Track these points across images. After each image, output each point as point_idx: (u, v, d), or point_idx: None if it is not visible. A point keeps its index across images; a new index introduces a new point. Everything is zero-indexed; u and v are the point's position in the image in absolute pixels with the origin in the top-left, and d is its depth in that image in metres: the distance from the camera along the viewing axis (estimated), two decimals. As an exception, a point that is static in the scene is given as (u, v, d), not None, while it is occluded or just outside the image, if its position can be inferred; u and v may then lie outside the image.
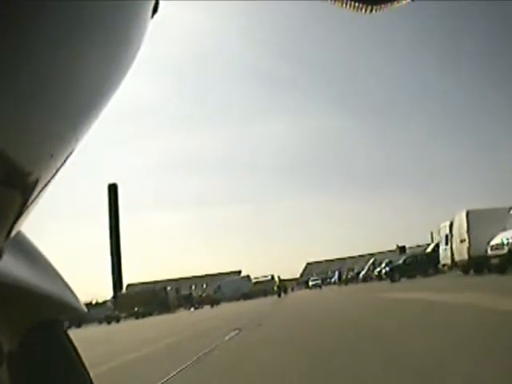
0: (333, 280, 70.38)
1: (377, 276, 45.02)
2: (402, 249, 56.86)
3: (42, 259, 0.76)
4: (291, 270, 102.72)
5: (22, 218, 0.50)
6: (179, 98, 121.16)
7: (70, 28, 0.42)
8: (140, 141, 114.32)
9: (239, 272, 73.26)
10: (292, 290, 69.05)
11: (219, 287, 65.97)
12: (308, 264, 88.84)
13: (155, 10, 0.62)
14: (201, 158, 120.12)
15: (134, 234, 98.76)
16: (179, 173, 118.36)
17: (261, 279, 70.49)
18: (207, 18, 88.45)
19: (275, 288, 51.57)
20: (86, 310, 0.82)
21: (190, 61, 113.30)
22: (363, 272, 54.46)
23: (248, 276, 67.29)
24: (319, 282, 66.19)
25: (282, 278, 59.53)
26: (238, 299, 60.69)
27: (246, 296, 61.63)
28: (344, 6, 0.69)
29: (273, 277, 66.65)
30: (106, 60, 0.50)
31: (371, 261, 53.85)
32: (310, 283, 66.34)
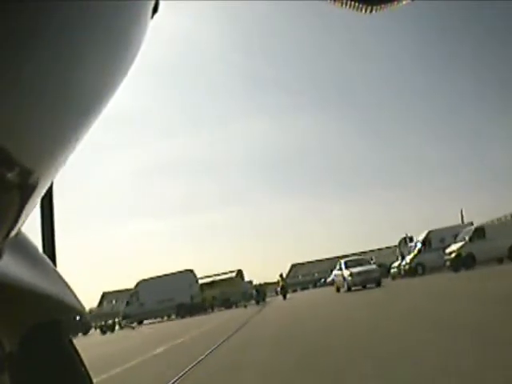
0: (330, 279, 54.87)
1: (450, 264, 25.23)
2: (411, 239, 43.83)
3: (43, 259, 0.77)
4: (273, 272, 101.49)
5: (22, 218, 0.51)
6: (159, 101, 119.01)
7: (70, 28, 0.42)
8: (118, 147, 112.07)
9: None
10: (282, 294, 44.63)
11: (136, 295, 35.58)
12: (293, 265, 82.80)
13: (155, 10, 0.64)
14: (181, 164, 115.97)
15: (118, 242, 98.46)
16: (162, 178, 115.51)
17: (217, 278, 43.58)
18: (187, 20, 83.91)
19: (253, 293, 36.41)
20: (86, 310, 0.93)
21: (169, 63, 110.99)
22: (396, 263, 34.50)
23: (191, 272, 36.40)
24: (374, 268, 25.13)
25: (265, 281, 44.33)
26: (176, 315, 35.34)
27: (187, 310, 34.08)
28: (344, 6, 0.70)
29: (240, 273, 39.38)
30: (106, 60, 0.51)
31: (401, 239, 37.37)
32: (349, 271, 24.70)
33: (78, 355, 0.82)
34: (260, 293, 34.71)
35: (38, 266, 0.73)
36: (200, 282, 38.53)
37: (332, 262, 72.93)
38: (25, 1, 0.37)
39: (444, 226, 32.82)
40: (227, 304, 39.03)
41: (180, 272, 35.85)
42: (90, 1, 0.43)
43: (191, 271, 36.02)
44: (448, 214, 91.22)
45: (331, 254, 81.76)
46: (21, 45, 0.38)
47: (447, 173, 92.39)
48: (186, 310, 33.49)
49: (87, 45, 0.45)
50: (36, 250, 0.75)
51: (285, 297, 34.04)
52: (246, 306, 32.16)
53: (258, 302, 32.72)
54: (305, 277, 76.45)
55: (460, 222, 34.75)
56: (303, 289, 66.99)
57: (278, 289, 37.78)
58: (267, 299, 39.90)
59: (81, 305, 0.83)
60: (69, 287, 0.81)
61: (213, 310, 38.87)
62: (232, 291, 39.47)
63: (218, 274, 43.86)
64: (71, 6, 0.41)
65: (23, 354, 0.73)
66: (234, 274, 42.79)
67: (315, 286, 68.27)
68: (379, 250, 55.99)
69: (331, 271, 63.43)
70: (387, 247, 51.48)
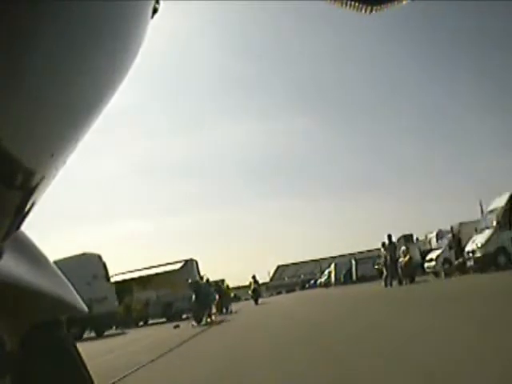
0: (322, 281, 50.61)
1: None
2: (411, 237, 35.69)
3: (43, 259, 0.78)
4: (260, 274, 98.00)
5: (22, 218, 0.52)
6: (145, 102, 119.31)
7: (70, 28, 0.43)
8: (107, 148, 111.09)
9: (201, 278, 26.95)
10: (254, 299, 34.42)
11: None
12: (279, 266, 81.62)
13: (155, 10, 0.65)
14: (168, 165, 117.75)
15: (100, 242, 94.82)
16: (144, 180, 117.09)
17: (151, 272, 26.12)
18: (174, 21, 79.01)
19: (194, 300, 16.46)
20: (86, 309, 0.85)
21: (155, 64, 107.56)
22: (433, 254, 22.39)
23: (95, 258, 18.95)
24: None
25: (249, 283, 32.22)
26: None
27: (82, 325, 16.79)
28: (344, 5, 0.71)
29: (190, 265, 25.36)
30: (107, 60, 0.52)
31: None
32: None
33: (79, 354, 0.82)
34: (207, 298, 16.35)
35: (39, 265, 0.73)
36: (127, 277, 25.60)
37: (319, 264, 70.45)
38: (25, 1, 0.37)
39: (430, 230, 28.89)
40: (169, 314, 23.54)
41: (76, 257, 18.32)
42: (90, 1, 0.43)
43: (95, 257, 19.22)
44: (434, 217, 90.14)
45: (316, 256, 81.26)
46: (20, 45, 0.38)
47: (433, 177, 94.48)
48: (79, 325, 16.62)
49: (87, 45, 0.45)
50: (36, 249, 0.76)
51: (256, 301, 28.96)
52: (176, 326, 15.56)
53: (199, 319, 15.54)
54: (291, 278, 73.82)
55: (480, 214, 26.63)
56: (289, 291, 62.78)
57: (249, 292, 31.85)
58: (241, 303, 33.09)
59: (81, 304, 0.83)
60: (69, 287, 0.82)
61: (146, 322, 24.66)
62: (176, 293, 23.07)
63: (156, 266, 26.31)
64: (71, 6, 0.41)
65: (24, 353, 0.73)
66: (179, 266, 24.89)
67: (303, 287, 63.35)
68: (369, 251, 50.03)
69: (322, 272, 53.61)
70: (377, 249, 44.55)
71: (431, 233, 29.95)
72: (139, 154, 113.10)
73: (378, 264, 30.71)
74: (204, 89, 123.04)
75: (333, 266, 47.73)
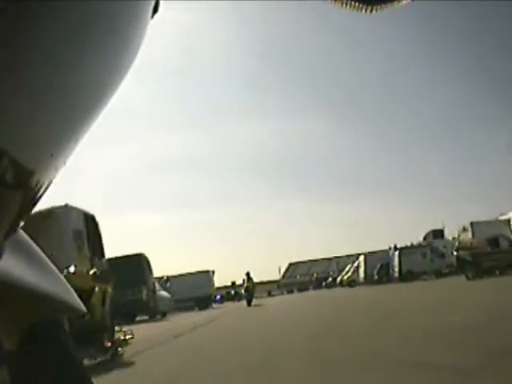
0: (344, 278, 42.53)
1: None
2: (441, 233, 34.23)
3: (42, 259, 0.79)
4: (271, 271, 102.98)
5: (21, 218, 0.52)
6: (162, 98, 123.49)
7: (70, 28, 0.43)
8: (121, 141, 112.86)
9: (213, 272, 39.20)
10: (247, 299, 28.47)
11: None
12: (291, 264, 78.13)
13: (155, 10, 0.65)
14: (182, 160, 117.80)
15: (113, 235, 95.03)
16: (160, 174, 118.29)
17: None
18: (191, 18, 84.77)
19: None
20: (85, 309, 0.86)
21: (173, 61, 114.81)
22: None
23: None
24: None
25: (260, 280, 34.63)
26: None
27: None
28: (344, 5, 0.72)
29: (64, 211, 14.00)
30: (106, 60, 0.52)
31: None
32: None
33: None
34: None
35: (38, 265, 0.74)
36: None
37: (335, 261, 67.99)
38: (25, 1, 0.37)
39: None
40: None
41: None
42: (90, 1, 0.43)
43: None
44: (443, 219, 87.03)
45: (330, 254, 77.70)
46: (20, 45, 0.38)
47: (444, 180, 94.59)
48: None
49: (87, 45, 0.45)
50: (36, 250, 0.77)
51: (249, 303, 25.49)
52: None
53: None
54: (303, 276, 71.57)
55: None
56: (301, 290, 59.93)
57: (242, 291, 30.09)
58: (234, 305, 29.12)
59: (80, 304, 0.84)
60: (68, 287, 0.82)
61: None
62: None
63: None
64: (71, 6, 0.41)
65: (23, 353, 0.74)
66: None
67: (320, 285, 58.30)
68: (373, 253, 45.80)
69: (341, 270, 45.71)
70: (381, 250, 42.35)
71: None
72: (156, 149, 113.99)
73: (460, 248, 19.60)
74: (222, 87, 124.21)
75: (362, 258, 37.07)
